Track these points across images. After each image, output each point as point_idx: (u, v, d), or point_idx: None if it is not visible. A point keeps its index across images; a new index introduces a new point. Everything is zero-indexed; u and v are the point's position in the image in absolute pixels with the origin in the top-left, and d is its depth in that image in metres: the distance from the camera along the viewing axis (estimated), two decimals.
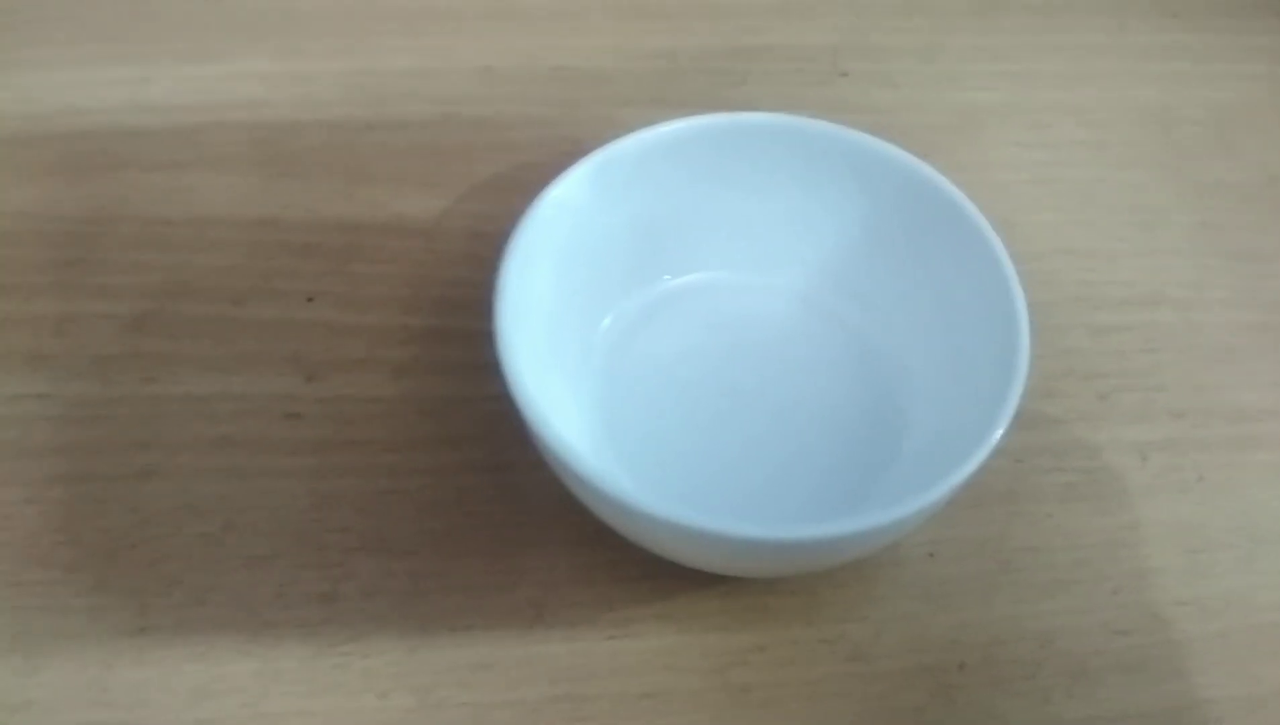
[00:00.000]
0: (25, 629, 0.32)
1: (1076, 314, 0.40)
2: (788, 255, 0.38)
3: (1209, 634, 0.34)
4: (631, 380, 0.36)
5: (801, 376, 0.37)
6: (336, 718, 0.31)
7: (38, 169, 0.41)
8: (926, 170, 0.35)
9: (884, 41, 0.48)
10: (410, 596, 0.33)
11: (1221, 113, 0.47)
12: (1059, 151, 0.45)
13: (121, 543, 0.33)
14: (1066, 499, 0.36)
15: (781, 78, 0.46)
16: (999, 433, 0.30)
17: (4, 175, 0.41)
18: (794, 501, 0.34)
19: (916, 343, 0.36)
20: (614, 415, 0.35)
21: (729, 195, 0.37)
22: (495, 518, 0.34)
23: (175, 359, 0.37)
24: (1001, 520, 0.36)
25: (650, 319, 0.37)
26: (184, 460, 0.35)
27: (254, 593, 0.33)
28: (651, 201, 0.36)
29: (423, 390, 0.37)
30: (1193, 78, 0.48)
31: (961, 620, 0.34)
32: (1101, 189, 0.44)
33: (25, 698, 0.31)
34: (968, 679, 0.33)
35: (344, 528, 0.34)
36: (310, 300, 0.39)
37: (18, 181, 0.41)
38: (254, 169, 0.42)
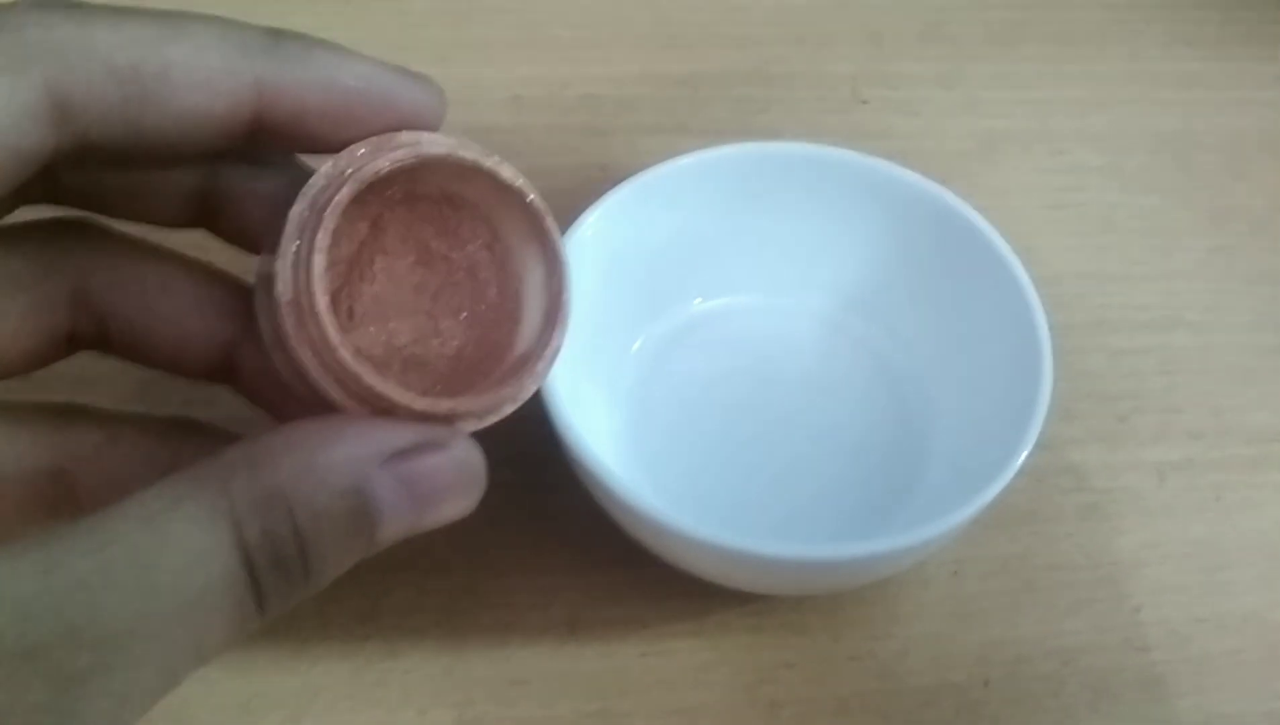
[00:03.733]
0: None
1: (1094, 337, 0.41)
2: (814, 280, 0.39)
3: (1227, 650, 0.35)
4: (662, 401, 0.37)
5: (828, 399, 0.37)
6: None
7: None
8: (949, 197, 0.36)
9: (903, 70, 0.49)
10: (448, 614, 0.34)
11: (1236, 139, 0.47)
12: (1076, 177, 0.46)
13: None
14: (1087, 519, 0.37)
15: (803, 105, 0.47)
16: (1024, 456, 0.30)
17: None
18: (821, 521, 0.35)
19: (940, 365, 0.37)
20: (645, 436, 0.36)
21: (758, 221, 0.38)
22: (530, 538, 0.35)
23: None
24: (1024, 539, 0.36)
25: (680, 342, 0.38)
26: None
27: (295, 611, 0.33)
28: (682, 227, 0.37)
29: None
30: (1208, 105, 0.48)
31: (986, 638, 0.34)
32: (1118, 214, 0.45)
33: None
34: (993, 695, 0.33)
35: None
36: None
37: None
38: None
